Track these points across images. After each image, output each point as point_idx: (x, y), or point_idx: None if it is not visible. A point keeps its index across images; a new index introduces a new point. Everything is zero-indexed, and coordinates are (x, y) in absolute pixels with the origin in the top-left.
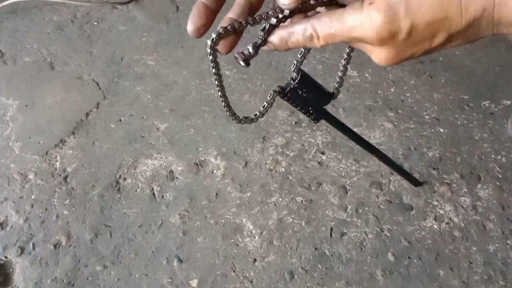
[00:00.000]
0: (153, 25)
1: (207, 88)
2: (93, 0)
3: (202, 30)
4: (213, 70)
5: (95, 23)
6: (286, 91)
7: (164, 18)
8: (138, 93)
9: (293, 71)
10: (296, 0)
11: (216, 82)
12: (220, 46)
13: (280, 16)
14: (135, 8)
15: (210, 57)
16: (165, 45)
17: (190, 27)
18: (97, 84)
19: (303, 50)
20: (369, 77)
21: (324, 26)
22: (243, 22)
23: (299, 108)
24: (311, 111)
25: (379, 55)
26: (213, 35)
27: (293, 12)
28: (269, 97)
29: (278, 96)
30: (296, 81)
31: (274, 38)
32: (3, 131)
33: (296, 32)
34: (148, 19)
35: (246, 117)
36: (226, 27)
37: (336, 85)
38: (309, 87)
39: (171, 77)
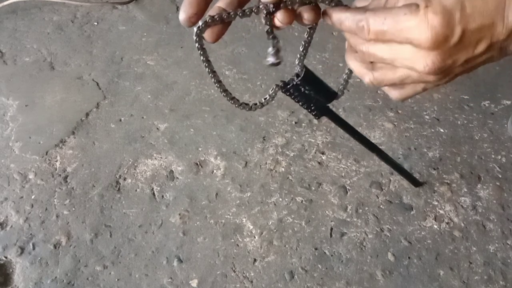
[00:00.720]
0: (153, 25)
1: (207, 88)
2: (93, 0)
3: (194, 19)
4: (202, 58)
5: (95, 23)
6: (289, 86)
7: (164, 18)
8: (138, 93)
9: (297, 65)
10: None
11: (207, 69)
12: (207, 35)
13: (265, 12)
14: (135, 8)
15: (197, 45)
16: (165, 45)
17: (182, 15)
18: (97, 84)
19: (303, 43)
20: None
21: (378, 22)
22: (231, 13)
23: (300, 104)
24: (313, 108)
25: (426, 59)
26: (200, 23)
27: (277, 7)
28: (271, 90)
29: (280, 91)
30: (300, 78)
31: (334, 16)
32: (3, 131)
33: (351, 19)
34: (148, 19)
35: (246, 104)
36: (213, 16)
37: (341, 87)
38: (312, 85)
39: (171, 77)
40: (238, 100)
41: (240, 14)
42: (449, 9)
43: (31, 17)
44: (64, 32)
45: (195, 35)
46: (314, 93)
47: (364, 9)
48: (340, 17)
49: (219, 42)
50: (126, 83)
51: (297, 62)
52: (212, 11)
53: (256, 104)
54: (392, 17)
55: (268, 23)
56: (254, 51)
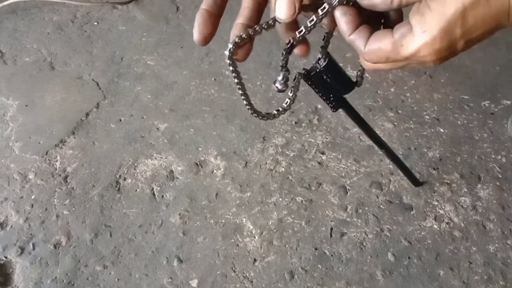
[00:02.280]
0: (153, 25)
1: (207, 88)
2: (93, 0)
3: (209, 38)
4: (235, 80)
5: (95, 23)
6: (312, 74)
7: (164, 18)
8: (138, 93)
9: (321, 55)
10: (291, 15)
11: (240, 92)
12: (239, 55)
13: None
14: (135, 8)
15: (230, 68)
16: (165, 45)
17: (197, 36)
18: (97, 84)
19: (325, 34)
20: (369, 77)
21: (381, 60)
22: (257, 28)
23: (320, 94)
24: (331, 99)
25: (432, 65)
26: (230, 45)
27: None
28: (294, 80)
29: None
30: (323, 64)
31: (341, 27)
32: (3, 131)
33: (355, 46)
34: (148, 19)
35: (277, 110)
36: (241, 36)
37: (358, 73)
38: (334, 73)
39: (171, 77)
40: (269, 114)
41: (265, 27)
42: (448, 29)
43: (31, 17)
44: (64, 32)
45: (228, 59)
46: (335, 82)
47: (363, 41)
48: (353, 42)
49: (219, 42)
50: (126, 83)
51: (319, 54)
52: (236, 29)
53: (287, 102)
54: (391, 51)
55: (286, 53)
56: (254, 51)
